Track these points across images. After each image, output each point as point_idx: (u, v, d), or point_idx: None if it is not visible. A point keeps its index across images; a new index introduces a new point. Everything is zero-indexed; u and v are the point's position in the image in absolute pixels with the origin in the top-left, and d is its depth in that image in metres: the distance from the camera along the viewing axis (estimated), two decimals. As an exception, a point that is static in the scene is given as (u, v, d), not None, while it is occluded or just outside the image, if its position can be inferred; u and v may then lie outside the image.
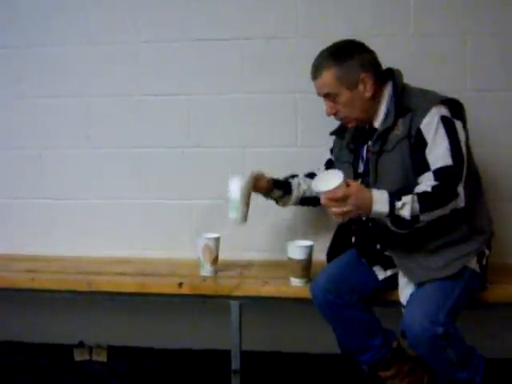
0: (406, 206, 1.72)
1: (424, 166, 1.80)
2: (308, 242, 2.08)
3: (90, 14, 2.51)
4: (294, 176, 2.19)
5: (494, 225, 1.99)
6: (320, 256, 2.13)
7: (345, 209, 1.72)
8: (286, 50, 2.39)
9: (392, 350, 1.94)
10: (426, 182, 1.78)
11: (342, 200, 1.71)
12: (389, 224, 1.77)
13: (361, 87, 1.88)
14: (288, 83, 2.39)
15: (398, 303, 1.89)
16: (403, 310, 1.84)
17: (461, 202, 1.77)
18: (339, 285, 1.92)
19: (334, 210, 1.73)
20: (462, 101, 1.87)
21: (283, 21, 2.41)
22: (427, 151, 1.79)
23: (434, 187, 1.76)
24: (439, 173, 1.77)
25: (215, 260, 2.20)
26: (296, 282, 2.05)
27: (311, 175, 2.18)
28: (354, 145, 2.02)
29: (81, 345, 2.62)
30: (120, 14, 2.50)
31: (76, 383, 2.51)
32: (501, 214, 2.26)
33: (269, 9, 2.41)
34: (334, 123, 2.08)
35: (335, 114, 1.95)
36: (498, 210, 2.19)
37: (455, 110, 1.85)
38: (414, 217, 1.74)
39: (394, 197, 1.74)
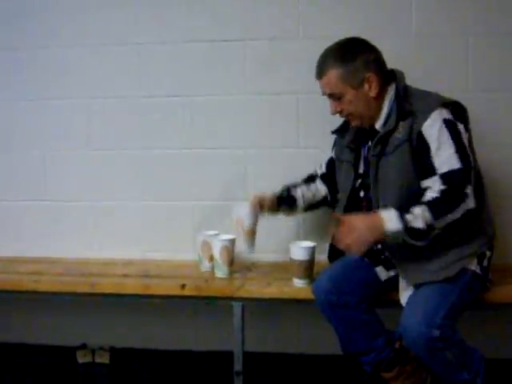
0: (418, 217, 1.72)
1: (429, 170, 1.79)
2: (310, 243, 2.07)
3: (92, 15, 2.51)
4: (295, 186, 2.17)
5: (495, 225, 1.97)
6: (322, 257, 2.12)
7: (355, 235, 1.73)
8: (288, 51, 2.39)
9: (395, 351, 1.93)
10: (433, 188, 1.77)
11: (351, 228, 1.73)
12: (407, 239, 1.74)
13: (366, 86, 1.87)
14: (290, 84, 2.38)
15: (400, 304, 1.88)
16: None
17: (471, 203, 1.74)
18: (341, 285, 1.91)
19: (346, 241, 1.74)
20: (463, 101, 1.87)
21: (285, 21, 2.40)
22: (432, 155, 1.78)
23: (442, 192, 1.75)
24: (447, 176, 1.76)
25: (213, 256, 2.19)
26: (299, 282, 2.05)
27: (312, 178, 2.20)
28: (355, 145, 2.01)
29: (83, 347, 2.62)
30: (121, 14, 2.50)
31: (79, 385, 2.52)
32: (502, 215, 2.25)
33: (271, 9, 2.41)
34: (336, 124, 2.08)
35: (340, 113, 1.94)
36: (498, 211, 2.18)
37: (457, 112, 1.83)
38: (429, 225, 1.72)
39: (403, 211, 1.74)
